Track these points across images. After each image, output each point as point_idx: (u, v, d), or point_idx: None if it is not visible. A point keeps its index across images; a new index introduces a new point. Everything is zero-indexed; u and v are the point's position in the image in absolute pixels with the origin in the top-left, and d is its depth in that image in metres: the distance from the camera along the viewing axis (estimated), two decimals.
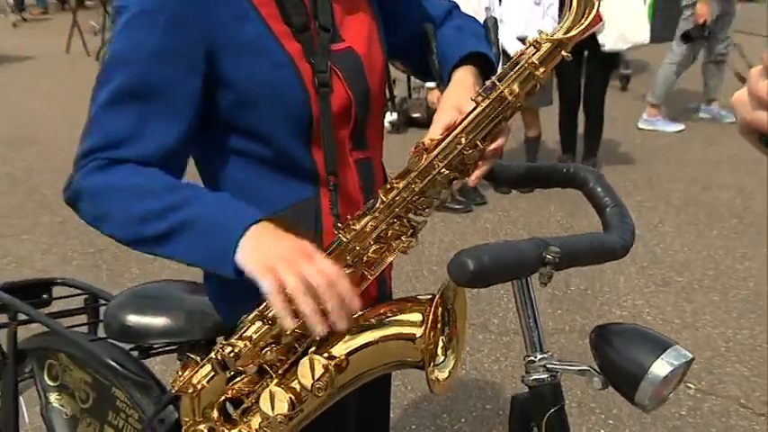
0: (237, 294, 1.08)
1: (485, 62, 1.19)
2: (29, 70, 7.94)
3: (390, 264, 1.11)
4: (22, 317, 1.56)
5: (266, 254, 0.94)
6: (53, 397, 1.57)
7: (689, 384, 2.62)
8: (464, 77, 1.16)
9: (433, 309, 1.04)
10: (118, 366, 1.38)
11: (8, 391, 1.60)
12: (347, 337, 1.04)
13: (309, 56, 1.07)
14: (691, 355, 0.93)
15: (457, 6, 1.34)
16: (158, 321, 1.31)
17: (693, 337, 2.93)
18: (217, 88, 1.07)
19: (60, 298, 1.68)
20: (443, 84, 1.22)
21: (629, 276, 3.46)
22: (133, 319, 1.33)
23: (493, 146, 1.06)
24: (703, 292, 3.32)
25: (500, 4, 4.21)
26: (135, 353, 1.39)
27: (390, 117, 5.37)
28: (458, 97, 1.10)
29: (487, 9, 3.97)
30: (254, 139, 1.10)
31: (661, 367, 0.90)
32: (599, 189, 1.17)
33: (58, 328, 1.51)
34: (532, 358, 1.03)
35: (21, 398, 1.65)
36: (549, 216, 4.16)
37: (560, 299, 3.28)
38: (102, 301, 1.60)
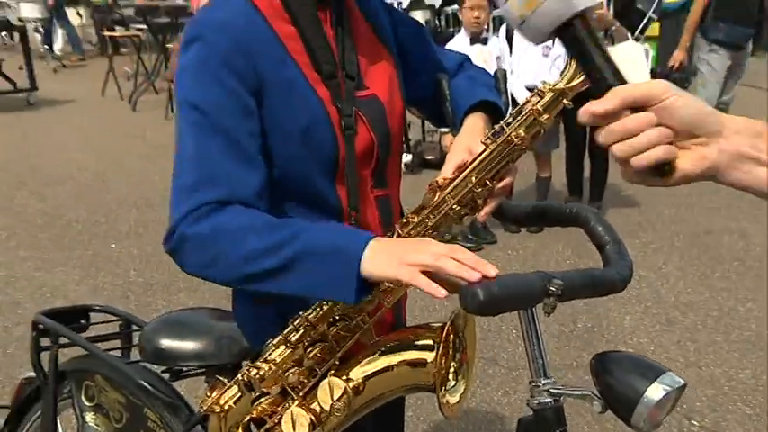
0: (263, 320, 1.13)
1: (494, 109, 1.24)
2: (67, 113, 8.09)
3: (405, 294, 1.15)
4: (62, 340, 1.60)
5: (390, 255, 0.96)
6: (89, 416, 1.61)
7: (693, 421, 2.63)
8: (475, 123, 1.21)
9: (444, 335, 1.07)
10: (150, 387, 1.42)
11: (48, 409, 1.64)
12: (364, 362, 1.08)
13: (337, 101, 1.13)
14: (683, 381, 0.97)
15: (468, 59, 1.40)
16: (189, 345, 1.35)
17: (697, 375, 2.93)
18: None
19: (97, 324, 1.72)
20: (456, 129, 1.26)
21: (634, 315, 3.46)
22: (166, 343, 1.38)
23: (501, 184, 1.10)
24: (707, 332, 3.31)
25: (510, 55, 4.30)
26: (166, 375, 1.44)
27: (405, 158, 5.44)
28: (469, 141, 1.15)
29: (498, 59, 4.05)
30: (286, 175, 1.14)
31: (655, 391, 0.93)
32: (599, 228, 1.20)
33: (96, 351, 1.55)
34: (537, 383, 1.06)
35: (58, 417, 1.67)
36: (556, 255, 4.17)
37: (568, 336, 3.28)
38: (135, 327, 1.65)
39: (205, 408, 1.10)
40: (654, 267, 4.00)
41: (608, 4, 4.21)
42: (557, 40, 0.81)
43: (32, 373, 1.67)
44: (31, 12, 11.01)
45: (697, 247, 4.30)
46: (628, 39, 4.24)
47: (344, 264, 0.96)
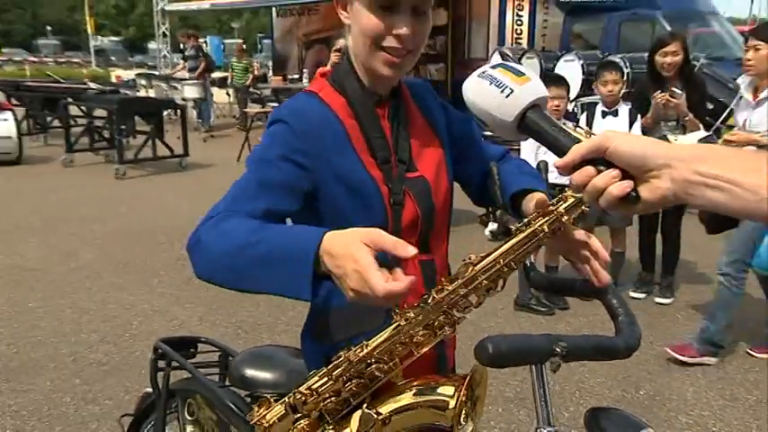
0: (320, 358, 1.22)
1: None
2: (210, 174, 8.71)
3: (454, 339, 1.19)
4: (174, 364, 1.75)
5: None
6: (189, 429, 1.73)
7: None
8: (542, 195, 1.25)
9: (465, 386, 1.10)
10: (235, 408, 1.55)
11: (159, 419, 1.77)
12: (393, 399, 1.12)
13: (388, 182, 1.22)
14: None
15: (509, 151, 1.47)
16: (267, 376, 1.47)
17: None
18: (319, 197, 1.20)
19: (202, 352, 1.86)
20: (502, 206, 1.33)
21: (698, 388, 3.30)
22: (249, 372, 1.50)
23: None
24: None
25: None
26: (248, 399, 1.56)
27: (492, 227, 5.47)
28: (545, 198, 1.21)
29: (539, 148, 4.03)
30: None
31: None
32: (614, 300, 1.24)
33: (198, 375, 1.69)
34: (542, 429, 1.12)
35: (167, 427, 1.80)
36: None
37: (629, 401, 3.18)
38: (231, 358, 1.77)
39: (253, 421, 1.14)
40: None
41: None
42: None
43: (150, 389, 1.84)
44: (191, 93, 12.07)
45: None
46: (699, 128, 4.16)
47: (301, 253, 0.97)
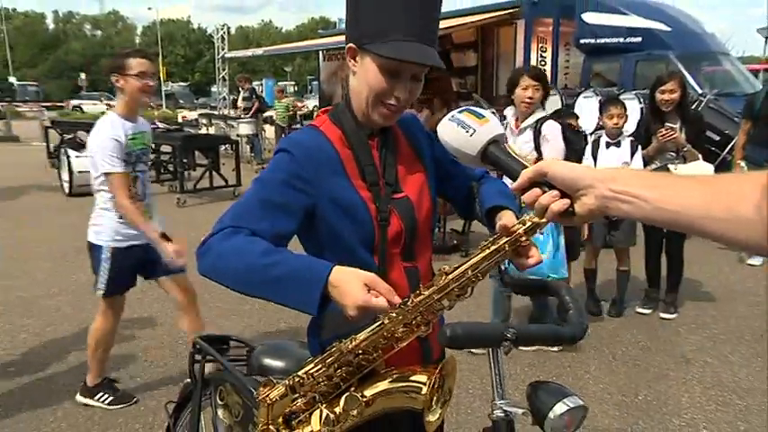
0: (318, 349, 1.30)
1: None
2: None
3: (435, 329, 1.20)
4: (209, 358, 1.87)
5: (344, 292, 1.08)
6: (220, 412, 1.80)
7: None
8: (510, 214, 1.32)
9: (436, 374, 1.19)
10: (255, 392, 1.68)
11: (196, 405, 1.88)
12: (376, 384, 1.19)
13: (376, 201, 1.30)
14: (582, 402, 1.11)
15: (487, 172, 1.52)
16: (279, 364, 1.59)
17: None
18: (316, 217, 1.28)
19: (234, 348, 1.97)
20: (479, 219, 1.43)
21: (693, 394, 3.31)
22: (266, 361, 1.63)
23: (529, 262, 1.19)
24: (760, 414, 3.10)
25: (595, 167, 4.37)
26: None
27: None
28: (512, 216, 1.29)
29: None
30: (337, 246, 1.29)
31: (560, 407, 1.08)
32: (567, 297, 1.32)
33: (227, 366, 1.78)
34: (496, 403, 1.21)
35: (202, 412, 1.91)
36: (630, 338, 4.08)
37: (628, 405, 3.21)
38: (257, 352, 1.91)
39: (259, 398, 1.21)
40: (720, 355, 3.79)
41: (681, 131, 4.22)
42: None
43: (190, 380, 1.98)
44: (245, 130, 12.42)
45: (766, 341, 4.00)
46: (698, 158, 4.18)
47: (311, 284, 1.10)
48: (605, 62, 10.87)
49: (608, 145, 4.41)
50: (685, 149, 4.18)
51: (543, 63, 11.48)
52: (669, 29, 10.26)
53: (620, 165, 4.28)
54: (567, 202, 0.91)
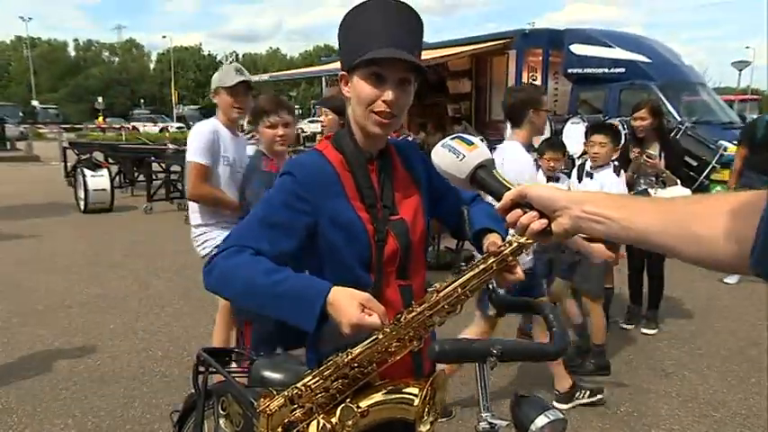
0: (315, 363, 1.31)
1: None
2: None
3: (427, 342, 1.23)
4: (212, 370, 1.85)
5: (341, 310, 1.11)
6: (222, 422, 1.79)
7: None
8: (496, 236, 1.34)
9: (427, 387, 1.20)
10: (255, 403, 1.68)
11: (199, 414, 1.87)
12: (371, 396, 1.19)
13: (374, 222, 1.31)
14: (562, 416, 1.11)
15: (478, 195, 1.55)
16: (277, 376, 1.56)
17: None
18: (317, 235, 1.29)
19: (235, 360, 1.95)
20: (469, 240, 1.44)
21: (671, 406, 3.30)
22: (266, 374, 1.60)
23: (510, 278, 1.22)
24: (734, 426, 3.09)
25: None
26: None
27: None
28: (499, 238, 1.31)
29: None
30: (335, 264, 1.30)
31: (541, 419, 1.08)
32: (551, 316, 1.32)
33: (229, 378, 1.76)
34: (482, 415, 1.21)
35: (206, 422, 1.90)
36: (612, 352, 4.04)
37: (611, 416, 3.19)
38: (257, 364, 1.90)
39: (259, 409, 1.21)
40: (698, 369, 3.78)
41: (660, 157, 4.23)
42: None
43: (193, 391, 1.96)
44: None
45: (740, 356, 4.00)
46: (677, 183, 4.20)
47: (311, 302, 1.13)
48: (591, 90, 10.99)
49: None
50: (664, 174, 4.21)
51: None
52: (650, 60, 10.39)
53: (603, 189, 4.31)
54: (545, 222, 0.93)
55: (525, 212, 0.96)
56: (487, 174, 1.10)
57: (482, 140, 1.26)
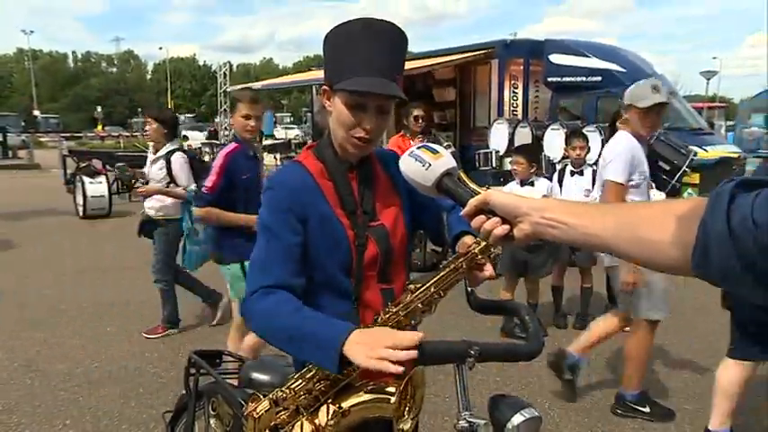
0: (300, 366, 1.29)
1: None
2: None
3: None
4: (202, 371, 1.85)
5: (362, 347, 1.07)
6: (212, 422, 1.80)
7: None
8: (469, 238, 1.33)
9: (402, 386, 1.16)
10: (245, 404, 1.66)
11: (190, 415, 1.88)
12: (352, 396, 1.18)
13: (354, 228, 1.30)
14: (538, 414, 1.10)
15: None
16: (266, 378, 1.56)
17: None
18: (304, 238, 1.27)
19: (225, 362, 1.95)
20: (448, 246, 1.42)
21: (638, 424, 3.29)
22: (254, 376, 1.60)
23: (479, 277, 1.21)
24: (705, 419, 3.08)
25: (561, 194, 4.40)
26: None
27: None
28: (472, 238, 1.29)
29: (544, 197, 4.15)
30: (318, 270, 1.29)
31: (517, 418, 1.07)
32: (527, 317, 1.32)
33: (219, 380, 1.77)
34: (462, 414, 1.19)
35: (197, 422, 1.90)
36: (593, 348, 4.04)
37: (589, 409, 3.22)
38: (247, 366, 1.89)
39: (246, 413, 1.22)
40: (670, 363, 3.81)
41: None
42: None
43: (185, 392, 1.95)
44: None
45: (710, 349, 3.99)
46: (652, 187, 4.20)
47: (329, 350, 1.09)
48: (570, 98, 11.07)
49: (572, 173, 4.46)
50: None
51: (515, 98, 11.64)
52: (625, 70, 10.47)
53: (583, 192, 4.33)
54: (507, 227, 0.93)
55: (489, 218, 0.96)
56: (452, 181, 1.09)
57: (448, 147, 1.25)
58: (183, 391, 2.00)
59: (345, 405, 1.20)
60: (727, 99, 42.35)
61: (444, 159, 1.11)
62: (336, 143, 1.35)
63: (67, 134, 26.59)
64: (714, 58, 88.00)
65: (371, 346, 1.05)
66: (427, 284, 1.19)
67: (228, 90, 18.42)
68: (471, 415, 1.20)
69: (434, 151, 1.12)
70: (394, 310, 1.19)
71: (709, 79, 25.65)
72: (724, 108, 29.68)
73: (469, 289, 1.45)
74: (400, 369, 1.02)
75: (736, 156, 9.78)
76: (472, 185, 1.07)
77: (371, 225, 1.35)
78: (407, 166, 1.13)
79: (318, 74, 16.37)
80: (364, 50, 1.24)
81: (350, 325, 1.12)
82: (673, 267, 0.73)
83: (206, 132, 20.44)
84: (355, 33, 1.25)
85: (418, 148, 1.15)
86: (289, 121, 40.93)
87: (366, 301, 1.32)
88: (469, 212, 0.98)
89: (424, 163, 1.10)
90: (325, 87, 1.32)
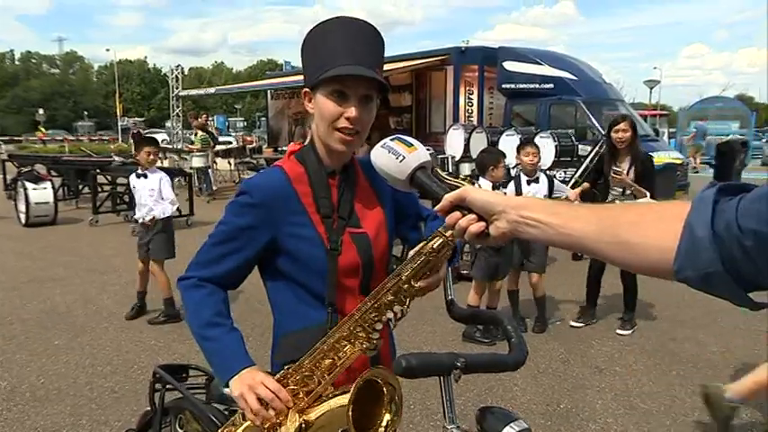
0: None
1: None
2: (211, 230, 8.67)
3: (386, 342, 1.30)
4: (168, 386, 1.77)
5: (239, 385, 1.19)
6: None
7: None
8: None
9: (352, 392, 1.09)
10: (215, 420, 1.58)
11: None
12: (317, 407, 1.19)
13: (329, 232, 1.28)
14: (527, 426, 1.10)
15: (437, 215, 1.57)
16: None
17: None
18: (276, 250, 1.28)
19: (192, 376, 1.87)
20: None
21: (605, 401, 3.39)
22: (225, 390, 1.55)
23: (423, 283, 1.18)
24: (659, 416, 3.21)
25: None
26: (226, 413, 1.60)
27: None
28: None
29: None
30: (293, 278, 1.29)
31: (507, 430, 1.06)
32: (509, 327, 1.31)
33: (187, 395, 1.69)
34: (447, 426, 1.17)
35: None
36: (551, 352, 4.12)
37: (551, 413, 3.23)
38: (215, 381, 1.83)
39: None
40: (626, 364, 3.90)
41: (628, 172, 4.32)
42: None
43: (150, 408, 1.85)
44: (197, 163, 12.02)
45: (663, 350, 4.16)
46: (646, 195, 4.22)
47: (224, 371, 1.24)
48: (524, 104, 11.33)
49: (528, 182, 4.52)
50: (633, 188, 4.28)
51: (471, 104, 11.82)
52: (576, 78, 10.81)
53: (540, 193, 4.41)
54: (482, 225, 0.91)
55: (464, 215, 0.94)
56: (427, 175, 1.05)
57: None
58: (141, 406, 1.94)
59: (309, 417, 1.19)
60: (667, 107, 44.30)
61: (419, 152, 1.07)
62: (321, 143, 1.32)
63: (6, 137, 25.29)
64: (655, 68, 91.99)
65: (250, 386, 1.18)
66: (393, 274, 1.16)
67: (181, 94, 17.93)
68: (458, 428, 1.18)
69: (409, 144, 1.08)
70: (365, 305, 1.17)
71: (651, 88, 26.86)
72: (666, 116, 31.11)
73: (449, 298, 1.44)
74: (256, 405, 1.16)
75: (680, 162, 10.24)
76: (450, 180, 1.03)
77: (353, 232, 1.32)
78: (380, 158, 1.09)
79: (272, 80, 16.19)
80: (342, 42, 1.24)
81: (248, 363, 1.23)
82: (653, 270, 0.73)
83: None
84: (332, 29, 1.26)
85: (392, 139, 1.10)
86: (241, 126, 40.29)
87: (346, 311, 1.29)
88: (444, 208, 0.95)
89: (398, 155, 1.06)
90: (306, 90, 1.30)
